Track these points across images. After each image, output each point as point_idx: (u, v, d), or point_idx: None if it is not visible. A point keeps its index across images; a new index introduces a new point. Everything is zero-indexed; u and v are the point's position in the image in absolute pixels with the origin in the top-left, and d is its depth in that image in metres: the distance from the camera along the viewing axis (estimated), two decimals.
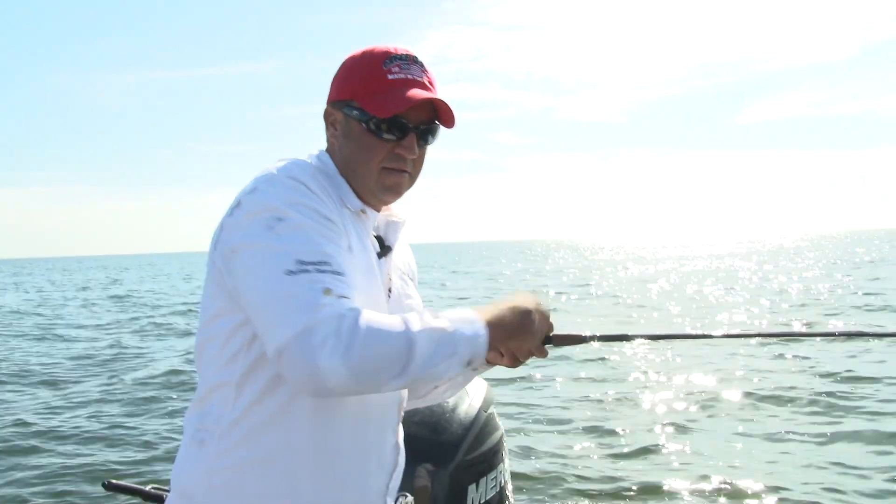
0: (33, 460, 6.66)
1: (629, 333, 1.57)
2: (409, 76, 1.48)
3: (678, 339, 1.65)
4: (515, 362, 1.51)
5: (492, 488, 2.50)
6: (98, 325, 18.46)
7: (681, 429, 7.05)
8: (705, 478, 5.64)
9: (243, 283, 1.35)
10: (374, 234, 1.57)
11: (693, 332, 1.62)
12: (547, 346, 1.49)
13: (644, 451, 6.40)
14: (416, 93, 1.45)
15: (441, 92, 1.52)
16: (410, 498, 2.28)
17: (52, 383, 10.41)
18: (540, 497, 5.42)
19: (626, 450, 6.47)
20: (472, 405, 2.53)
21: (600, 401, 8.24)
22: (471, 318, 1.36)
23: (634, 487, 5.52)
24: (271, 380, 1.39)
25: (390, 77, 1.46)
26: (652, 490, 5.48)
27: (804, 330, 11.63)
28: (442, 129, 1.55)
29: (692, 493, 5.41)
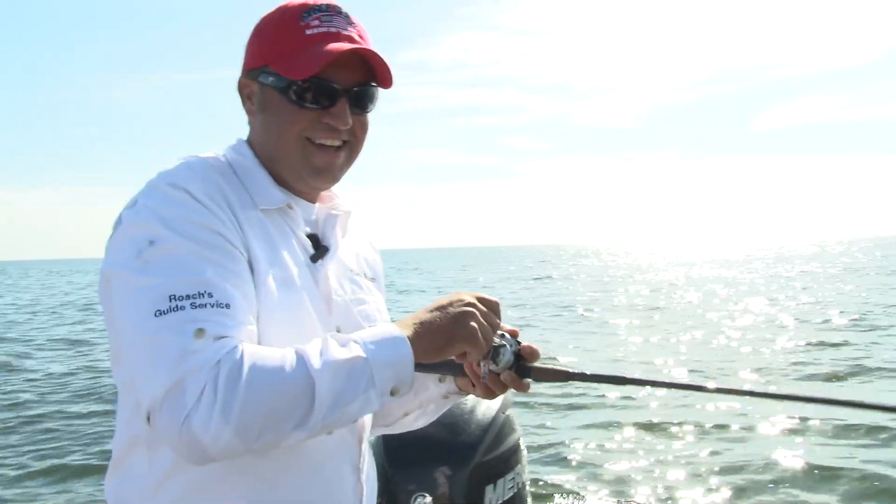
0: (37, 464, 6.70)
1: (624, 375, 1.35)
2: (332, 29, 1.24)
3: (673, 388, 1.44)
4: (488, 393, 1.32)
5: (510, 489, 2.52)
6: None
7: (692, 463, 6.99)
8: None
9: (117, 325, 1.13)
10: (308, 233, 1.32)
11: (689, 383, 1.44)
12: (526, 379, 1.28)
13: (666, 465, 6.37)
14: (337, 46, 1.21)
15: (379, 49, 1.27)
16: (429, 498, 2.30)
17: (56, 388, 10.49)
18: (561, 499, 5.42)
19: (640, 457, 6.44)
20: (490, 407, 2.54)
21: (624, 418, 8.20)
22: (390, 337, 1.12)
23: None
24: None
25: (308, 32, 1.23)
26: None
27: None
28: (382, 92, 1.30)
29: None
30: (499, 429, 2.53)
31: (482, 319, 1.18)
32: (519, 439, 2.66)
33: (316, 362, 1.06)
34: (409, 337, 1.12)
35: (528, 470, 2.72)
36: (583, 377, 1.32)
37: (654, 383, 1.42)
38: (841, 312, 15.92)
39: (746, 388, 1.40)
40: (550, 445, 6.66)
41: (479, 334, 1.16)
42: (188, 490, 1.16)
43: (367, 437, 1.39)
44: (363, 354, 1.08)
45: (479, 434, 2.46)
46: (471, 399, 2.50)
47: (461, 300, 1.19)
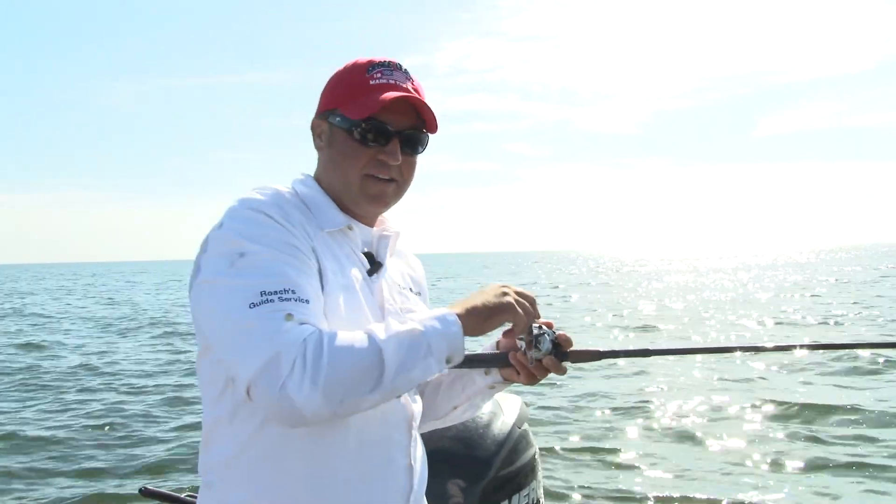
0: (72, 461, 6.77)
1: (649, 348, 1.52)
2: (392, 81, 1.47)
3: (700, 353, 1.62)
4: (532, 379, 1.49)
5: None
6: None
7: (698, 442, 6.90)
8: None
9: (210, 323, 1.34)
10: (365, 251, 1.54)
11: (713, 346, 1.56)
12: (564, 362, 1.47)
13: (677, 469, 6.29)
14: (392, 94, 1.45)
15: (428, 99, 1.51)
16: None
17: (96, 386, 10.60)
18: None
19: (658, 466, 6.36)
20: (506, 421, 2.51)
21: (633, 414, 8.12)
22: (441, 314, 1.34)
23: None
24: (262, 413, 1.35)
25: (372, 82, 1.46)
26: None
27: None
28: (432, 138, 1.52)
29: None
30: (514, 443, 2.49)
31: (517, 297, 1.41)
32: (535, 454, 2.61)
33: (382, 336, 1.27)
34: (458, 314, 1.34)
35: (543, 486, 2.67)
36: (613, 354, 1.52)
37: (677, 351, 1.58)
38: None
39: (769, 344, 1.47)
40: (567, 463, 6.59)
41: (517, 305, 1.39)
42: (256, 463, 1.38)
43: (417, 424, 1.55)
44: (421, 328, 1.30)
45: (495, 448, 2.42)
46: (486, 413, 2.47)
47: (497, 285, 1.43)
